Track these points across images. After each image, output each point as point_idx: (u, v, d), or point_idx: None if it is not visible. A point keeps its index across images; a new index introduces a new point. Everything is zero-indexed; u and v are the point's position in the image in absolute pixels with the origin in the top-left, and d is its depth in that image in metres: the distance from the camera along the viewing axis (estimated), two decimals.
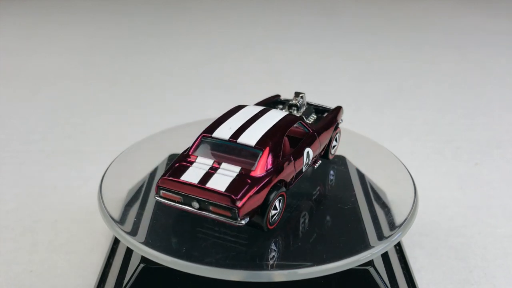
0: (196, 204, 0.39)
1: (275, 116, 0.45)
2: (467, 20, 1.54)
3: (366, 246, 0.40)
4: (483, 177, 0.75)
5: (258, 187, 0.39)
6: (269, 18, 1.57)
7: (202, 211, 0.39)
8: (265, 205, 0.40)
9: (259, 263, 0.39)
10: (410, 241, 0.59)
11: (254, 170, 0.40)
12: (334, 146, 0.53)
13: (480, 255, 0.58)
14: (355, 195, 0.48)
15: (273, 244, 0.42)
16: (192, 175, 0.39)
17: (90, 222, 0.62)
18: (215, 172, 0.40)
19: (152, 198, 0.48)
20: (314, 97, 0.60)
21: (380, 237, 0.42)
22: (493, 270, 0.56)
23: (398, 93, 1.04)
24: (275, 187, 0.41)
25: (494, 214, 0.66)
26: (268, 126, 0.43)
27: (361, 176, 0.53)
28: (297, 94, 0.52)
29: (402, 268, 0.51)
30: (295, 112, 0.51)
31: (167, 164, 0.54)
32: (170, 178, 0.39)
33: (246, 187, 0.38)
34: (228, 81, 1.10)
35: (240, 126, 0.43)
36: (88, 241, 0.60)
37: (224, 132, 0.42)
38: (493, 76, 1.14)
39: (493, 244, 0.60)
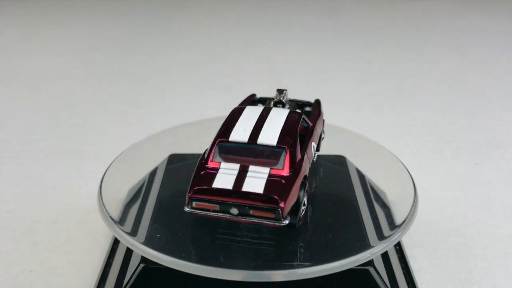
0: (235, 210, 0.38)
1: (280, 114, 0.44)
2: (467, 20, 1.54)
3: (366, 246, 0.40)
4: (483, 177, 0.75)
5: (293, 185, 0.39)
6: (269, 18, 1.57)
7: (242, 216, 0.38)
8: (298, 203, 0.40)
9: (259, 263, 0.39)
10: (410, 241, 0.59)
11: (282, 169, 0.39)
12: (323, 138, 0.53)
13: (480, 255, 0.58)
14: (355, 195, 0.48)
15: (272, 244, 0.42)
16: (224, 182, 0.38)
17: (90, 222, 0.62)
18: (246, 176, 0.39)
19: (153, 198, 0.48)
20: (314, 97, 0.60)
21: (380, 237, 0.42)
22: (493, 270, 0.56)
23: (398, 93, 1.04)
24: (303, 184, 0.41)
25: (494, 214, 0.66)
26: (280, 124, 0.43)
27: (361, 176, 0.53)
28: (280, 91, 0.52)
29: (402, 268, 0.51)
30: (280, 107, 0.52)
31: (167, 164, 0.54)
32: (204, 187, 0.38)
33: (284, 187, 0.38)
34: (228, 81, 1.10)
35: (253, 128, 0.42)
36: (88, 241, 0.60)
37: (240, 135, 0.41)
38: (493, 76, 1.14)
39: (493, 244, 0.60)
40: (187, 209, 0.39)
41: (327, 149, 0.55)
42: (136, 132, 0.82)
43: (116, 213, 0.45)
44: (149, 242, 0.40)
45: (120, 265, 0.48)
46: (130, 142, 0.60)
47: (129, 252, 0.49)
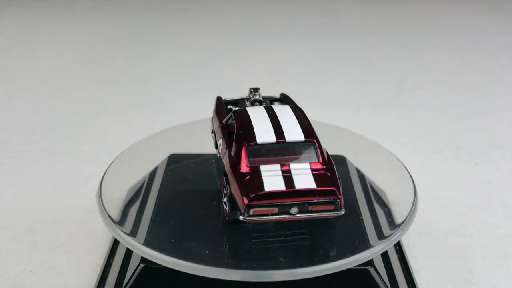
0: (295, 209, 0.38)
1: (285, 110, 0.45)
2: (467, 20, 1.54)
3: (366, 245, 0.40)
4: (483, 177, 0.75)
5: (336, 175, 0.40)
6: (269, 18, 1.57)
7: (302, 214, 0.38)
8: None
9: (259, 263, 0.39)
10: (410, 241, 0.59)
11: (319, 162, 0.40)
12: None
13: (480, 255, 0.58)
14: (355, 195, 0.48)
15: (273, 244, 0.42)
16: (274, 184, 0.38)
17: (90, 222, 0.62)
18: (291, 174, 0.39)
19: (152, 198, 0.48)
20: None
21: (380, 236, 0.42)
22: (493, 270, 0.56)
23: (398, 93, 1.04)
24: None
25: (494, 214, 0.66)
26: (294, 120, 0.43)
27: (361, 176, 0.53)
28: (255, 89, 0.52)
29: (402, 268, 0.51)
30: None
31: (167, 165, 0.54)
32: (260, 192, 0.37)
33: (331, 178, 0.39)
34: (228, 81, 1.10)
35: (273, 127, 0.42)
36: (88, 241, 0.60)
37: (265, 136, 0.41)
38: (493, 76, 1.14)
39: (493, 244, 0.60)
40: (245, 218, 0.38)
41: (327, 149, 0.55)
42: (136, 132, 0.82)
43: (116, 213, 0.45)
44: (149, 242, 0.40)
45: (120, 265, 0.48)
46: (130, 142, 0.60)
47: (129, 252, 0.49)
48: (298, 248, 0.41)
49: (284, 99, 0.54)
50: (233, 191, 0.39)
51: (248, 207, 0.37)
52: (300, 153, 0.41)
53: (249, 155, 0.40)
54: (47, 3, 1.68)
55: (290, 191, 0.38)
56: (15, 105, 0.97)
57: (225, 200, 0.42)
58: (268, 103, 0.53)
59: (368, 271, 0.41)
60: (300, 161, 0.40)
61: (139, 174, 0.54)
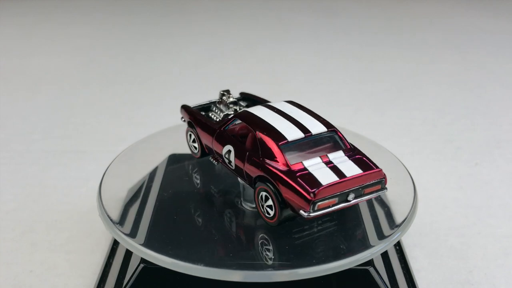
0: (352, 196, 0.40)
1: (287, 106, 0.46)
2: (467, 20, 1.54)
3: (366, 245, 0.40)
4: (483, 177, 0.75)
5: (367, 156, 0.43)
6: (270, 18, 1.57)
7: (357, 198, 0.40)
8: None
9: (259, 263, 0.39)
10: (410, 241, 0.59)
11: (348, 147, 0.43)
12: None
13: (480, 255, 0.58)
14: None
15: (273, 244, 0.42)
16: (326, 176, 0.39)
17: (90, 222, 0.62)
18: (334, 164, 0.41)
19: (152, 198, 0.48)
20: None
21: (380, 236, 0.42)
22: (493, 270, 0.56)
23: (398, 93, 1.04)
24: None
25: (494, 214, 0.66)
26: (304, 113, 0.45)
27: None
28: (227, 91, 0.52)
29: (402, 268, 0.51)
30: (237, 107, 0.51)
31: (167, 165, 0.54)
32: (321, 187, 0.38)
33: (368, 160, 0.42)
34: (228, 81, 1.10)
35: (293, 123, 0.43)
36: (88, 241, 0.60)
37: (291, 132, 0.42)
38: (493, 76, 1.14)
39: (493, 244, 0.60)
40: (310, 214, 0.38)
41: None
42: (136, 132, 0.82)
43: (115, 213, 0.45)
44: (148, 243, 0.40)
45: (120, 265, 0.48)
46: (130, 142, 0.60)
47: (129, 252, 0.49)
48: (298, 248, 0.41)
49: (249, 97, 0.54)
50: (285, 192, 0.39)
51: (314, 202, 0.38)
52: (328, 143, 0.42)
53: (287, 152, 0.41)
54: (47, 3, 1.68)
55: (345, 180, 0.39)
56: (15, 105, 0.97)
57: (264, 203, 0.42)
58: (238, 104, 0.53)
59: (368, 271, 0.41)
60: (333, 151, 0.42)
61: (139, 174, 0.54)
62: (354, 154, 0.42)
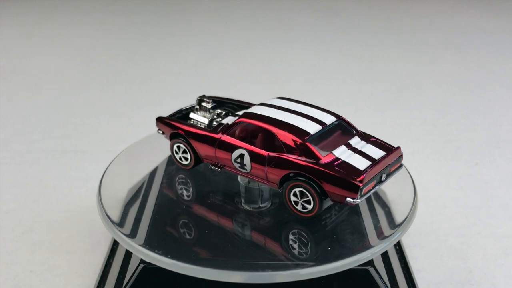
0: (384, 175, 0.42)
1: (286, 102, 0.47)
2: (467, 20, 1.54)
3: (366, 246, 0.40)
4: (483, 177, 0.75)
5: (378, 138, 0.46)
6: (270, 18, 1.57)
7: (388, 177, 0.43)
8: None
9: (259, 264, 0.39)
10: (410, 241, 0.59)
11: (359, 132, 0.45)
12: None
13: (480, 255, 0.58)
14: None
15: (273, 244, 0.41)
16: (359, 162, 0.41)
17: (90, 222, 0.62)
18: (358, 149, 0.43)
19: (152, 199, 0.48)
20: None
21: (381, 237, 0.42)
22: (493, 270, 0.56)
23: (398, 93, 1.04)
24: None
25: (494, 214, 0.66)
26: (306, 106, 0.46)
27: None
28: (203, 97, 0.51)
29: (402, 268, 0.51)
30: (219, 111, 0.51)
31: (167, 165, 0.54)
32: (366, 172, 0.40)
33: (382, 141, 0.45)
34: (228, 81, 1.10)
35: (304, 116, 0.44)
36: (88, 241, 0.60)
37: (309, 126, 0.43)
38: (493, 76, 1.14)
39: (493, 244, 0.60)
40: (358, 199, 0.40)
41: None
42: (136, 132, 0.82)
43: (115, 213, 0.45)
44: (148, 244, 0.40)
45: (120, 265, 0.48)
46: (130, 142, 0.60)
47: (129, 252, 0.49)
48: (299, 248, 0.41)
49: (219, 100, 0.53)
50: (327, 183, 0.40)
51: (361, 189, 0.40)
52: (341, 131, 0.45)
53: (315, 145, 0.42)
54: (47, 3, 1.68)
55: (377, 163, 0.42)
56: (15, 105, 0.97)
57: (300, 199, 0.42)
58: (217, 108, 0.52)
59: (368, 271, 0.41)
60: (350, 137, 0.44)
61: (139, 174, 0.54)
62: (367, 137, 0.45)
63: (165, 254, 0.39)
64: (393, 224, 0.44)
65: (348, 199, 0.40)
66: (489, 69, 1.17)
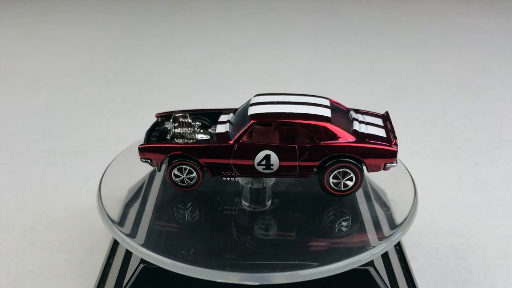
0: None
1: (273, 96, 0.47)
2: (467, 20, 1.54)
3: (366, 246, 0.40)
4: (483, 177, 0.75)
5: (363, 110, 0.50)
6: (270, 18, 1.57)
7: None
8: None
9: (259, 264, 0.39)
10: (410, 241, 0.59)
11: (346, 107, 0.49)
12: None
13: (480, 255, 0.58)
14: (355, 195, 0.48)
15: (273, 245, 0.41)
16: (378, 131, 0.45)
17: (90, 222, 0.62)
18: (365, 121, 0.47)
19: (152, 199, 0.48)
20: None
21: (381, 237, 0.42)
22: (493, 270, 0.56)
23: (398, 93, 1.04)
24: None
25: (494, 214, 0.66)
26: (294, 96, 0.47)
27: None
28: (177, 112, 0.48)
29: (402, 268, 0.51)
30: (198, 123, 0.49)
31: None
32: (394, 139, 0.44)
33: (368, 111, 0.50)
34: (228, 81, 1.10)
35: (305, 104, 0.45)
36: (88, 241, 0.60)
37: (322, 111, 0.45)
38: (493, 76, 1.14)
39: (493, 244, 0.60)
40: (396, 164, 0.45)
41: None
42: (136, 132, 0.82)
43: (115, 213, 0.45)
44: (148, 243, 0.40)
45: (120, 265, 0.48)
46: (130, 142, 0.60)
47: (129, 252, 0.49)
48: (299, 249, 0.41)
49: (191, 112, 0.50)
50: (367, 156, 0.43)
51: (396, 152, 0.44)
52: (337, 109, 0.47)
53: (336, 123, 0.44)
54: (47, 3, 1.68)
55: (389, 130, 0.46)
56: (15, 105, 0.97)
57: (343, 178, 0.44)
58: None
59: (368, 271, 0.41)
60: (348, 113, 0.48)
61: (139, 174, 0.54)
62: (356, 110, 0.49)
63: (165, 254, 0.39)
64: (393, 224, 0.44)
65: (388, 164, 0.44)
66: (489, 69, 1.17)
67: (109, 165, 0.52)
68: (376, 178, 0.52)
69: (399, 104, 1.00)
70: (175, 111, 0.49)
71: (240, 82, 1.10)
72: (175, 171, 0.46)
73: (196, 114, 0.50)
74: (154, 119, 0.52)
